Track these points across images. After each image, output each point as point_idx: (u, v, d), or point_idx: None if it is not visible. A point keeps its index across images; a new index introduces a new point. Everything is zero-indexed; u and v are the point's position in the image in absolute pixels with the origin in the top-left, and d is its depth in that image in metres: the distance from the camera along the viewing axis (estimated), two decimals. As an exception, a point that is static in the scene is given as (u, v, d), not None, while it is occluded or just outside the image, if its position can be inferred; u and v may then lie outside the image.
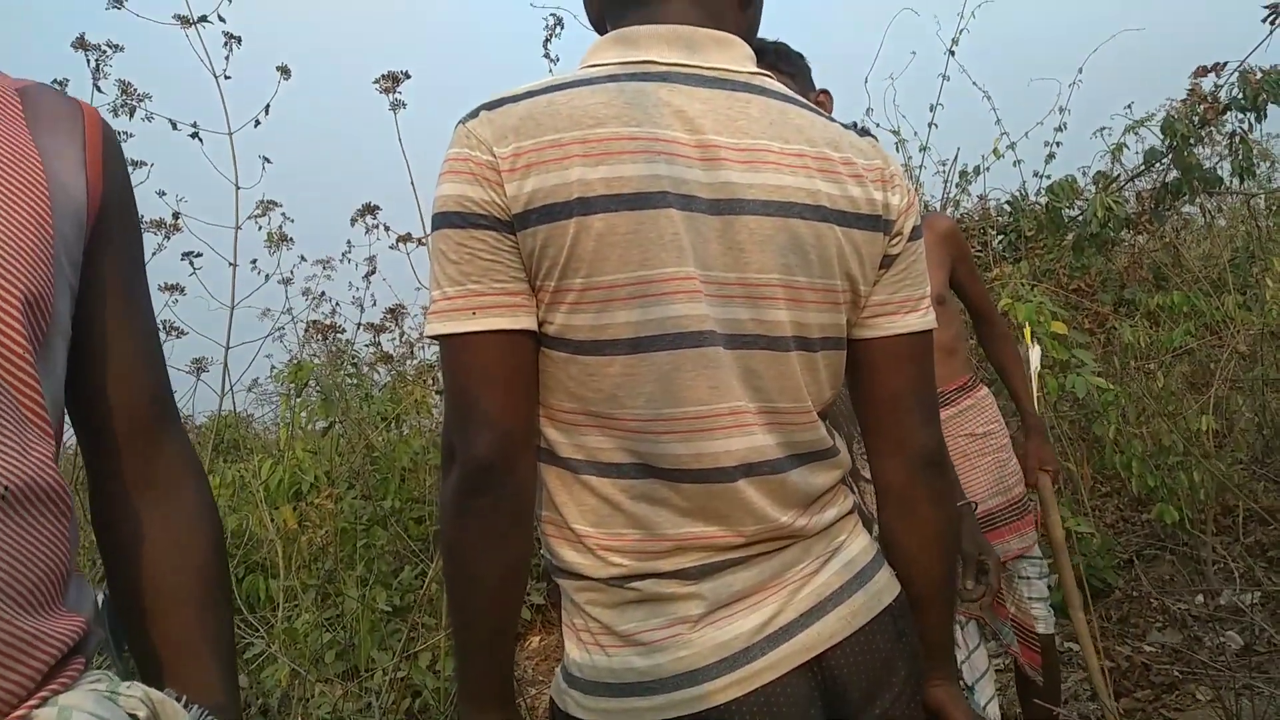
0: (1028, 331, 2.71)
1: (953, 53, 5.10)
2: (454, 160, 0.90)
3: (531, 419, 0.94)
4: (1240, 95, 3.94)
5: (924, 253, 1.08)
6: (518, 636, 3.88)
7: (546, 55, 3.34)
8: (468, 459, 0.90)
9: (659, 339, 0.90)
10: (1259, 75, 3.89)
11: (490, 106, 0.91)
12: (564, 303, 0.89)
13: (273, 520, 3.25)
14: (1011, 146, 5.24)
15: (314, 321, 3.91)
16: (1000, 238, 5.35)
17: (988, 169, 5.35)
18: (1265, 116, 3.99)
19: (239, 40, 3.00)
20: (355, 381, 4.80)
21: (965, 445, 2.40)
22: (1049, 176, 5.09)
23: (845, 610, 1.00)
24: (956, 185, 5.49)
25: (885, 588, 1.05)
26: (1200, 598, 3.59)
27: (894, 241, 1.02)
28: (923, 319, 1.05)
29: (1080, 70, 5.08)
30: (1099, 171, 4.90)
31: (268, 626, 3.02)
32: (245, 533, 3.53)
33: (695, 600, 0.95)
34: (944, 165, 5.56)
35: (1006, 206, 5.38)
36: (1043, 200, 4.92)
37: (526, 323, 0.90)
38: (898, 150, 5.45)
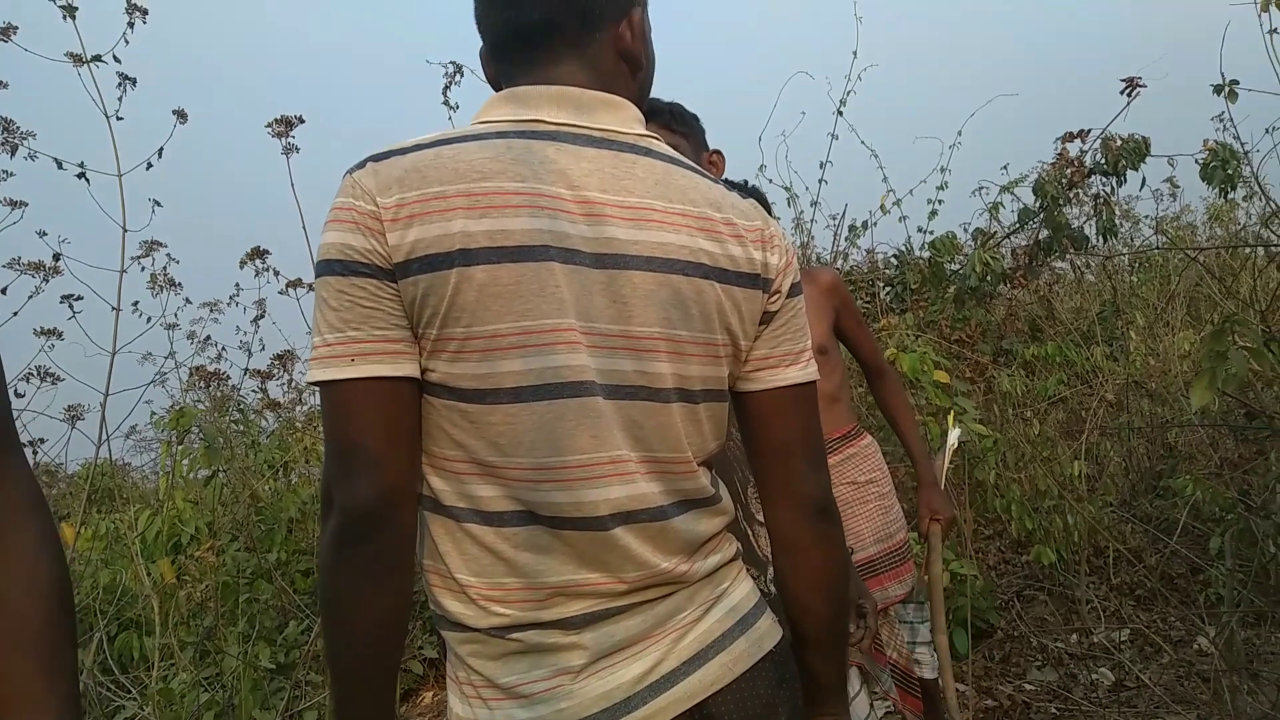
0: (951, 417, 2.80)
1: (841, 113, 5.32)
2: (338, 209, 0.91)
3: (413, 467, 0.94)
4: (1103, 160, 4.22)
5: (804, 308, 1.12)
6: (410, 692, 3.78)
7: (445, 103, 3.35)
8: (347, 507, 0.89)
9: (541, 389, 0.91)
10: (1119, 142, 4.18)
11: (377, 158, 0.93)
12: (446, 351, 0.91)
13: (149, 574, 3.10)
14: (897, 203, 5.49)
15: (197, 367, 3.77)
16: (888, 289, 5.56)
17: (875, 224, 5.58)
18: (1125, 181, 4.28)
19: (133, 81, 2.93)
20: (242, 428, 4.64)
21: (848, 493, 2.44)
22: (932, 232, 5.34)
23: (727, 657, 1.02)
24: (846, 239, 5.69)
25: (768, 633, 1.08)
26: (1075, 636, 3.75)
27: (773, 299, 1.06)
28: (803, 371, 1.09)
29: (959, 133, 5.37)
30: (978, 228, 5.17)
31: (141, 688, 2.86)
32: (119, 588, 3.35)
33: (577, 650, 0.96)
34: (834, 219, 5.77)
35: (894, 260, 5.60)
36: (926, 255, 5.14)
37: (408, 370, 0.91)
38: (790, 205, 5.65)
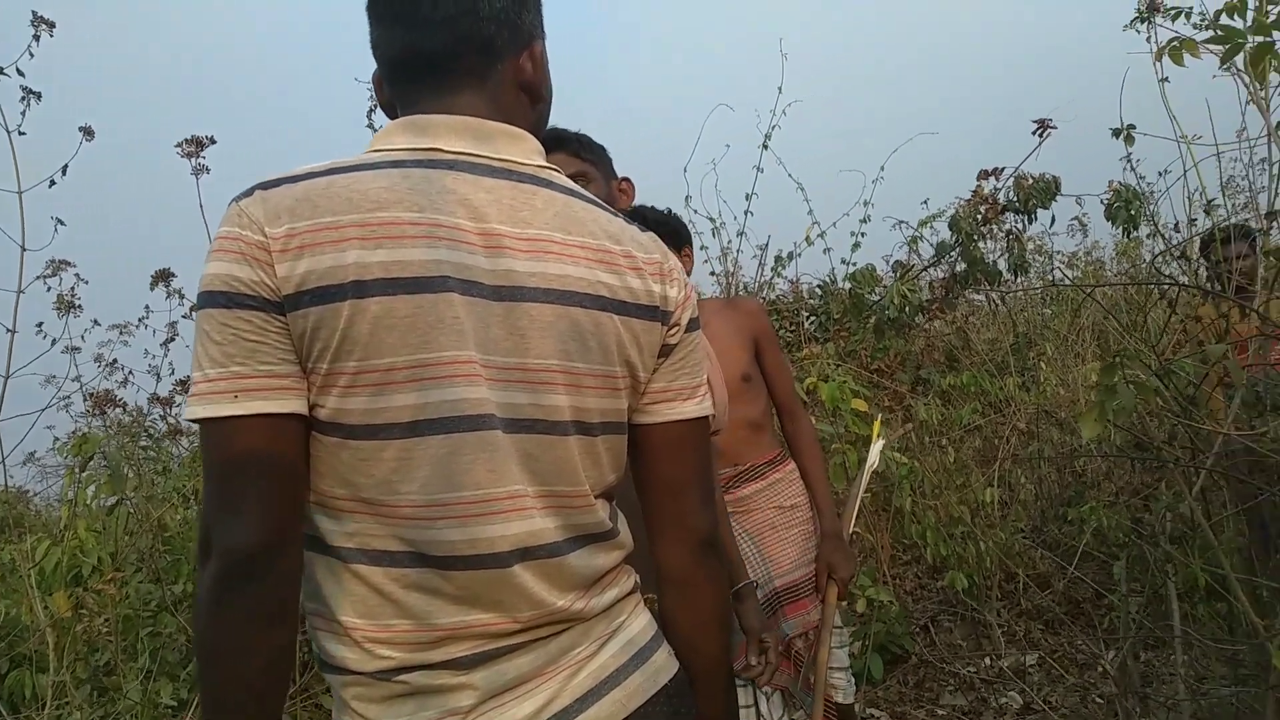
0: (876, 425, 2.78)
1: (766, 146, 5.42)
2: (224, 239, 0.88)
3: (297, 508, 0.91)
4: (1015, 198, 4.38)
5: (701, 344, 1.14)
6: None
7: (371, 126, 3.31)
8: (226, 550, 0.85)
9: (437, 422, 0.90)
10: (1030, 181, 4.34)
11: (266, 186, 0.90)
12: (336, 386, 0.88)
13: (45, 607, 2.97)
14: (822, 235, 5.60)
15: (93, 393, 3.64)
16: (812, 319, 5.66)
17: (800, 255, 5.68)
18: (1035, 219, 4.45)
19: (38, 95, 2.84)
20: (154, 454, 4.48)
21: (774, 517, 2.45)
22: (855, 264, 5.46)
23: (621, 693, 1.01)
24: (771, 269, 5.78)
25: (664, 666, 1.07)
26: (986, 661, 3.83)
27: (671, 332, 1.07)
28: (699, 406, 1.10)
29: (882, 168, 5.51)
30: (897, 261, 5.31)
31: (35, 728, 2.73)
32: (13, 622, 3.19)
33: (467, 691, 0.94)
34: (760, 249, 5.85)
35: (818, 290, 5.71)
36: (848, 286, 5.26)
37: (294, 407, 0.88)
38: (715, 235, 5.72)
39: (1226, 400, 2.03)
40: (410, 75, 1.02)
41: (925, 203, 5.37)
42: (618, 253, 1.02)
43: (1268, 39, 1.47)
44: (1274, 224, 2.04)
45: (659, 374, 1.07)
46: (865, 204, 5.46)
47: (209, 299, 0.87)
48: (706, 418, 1.12)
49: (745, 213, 5.58)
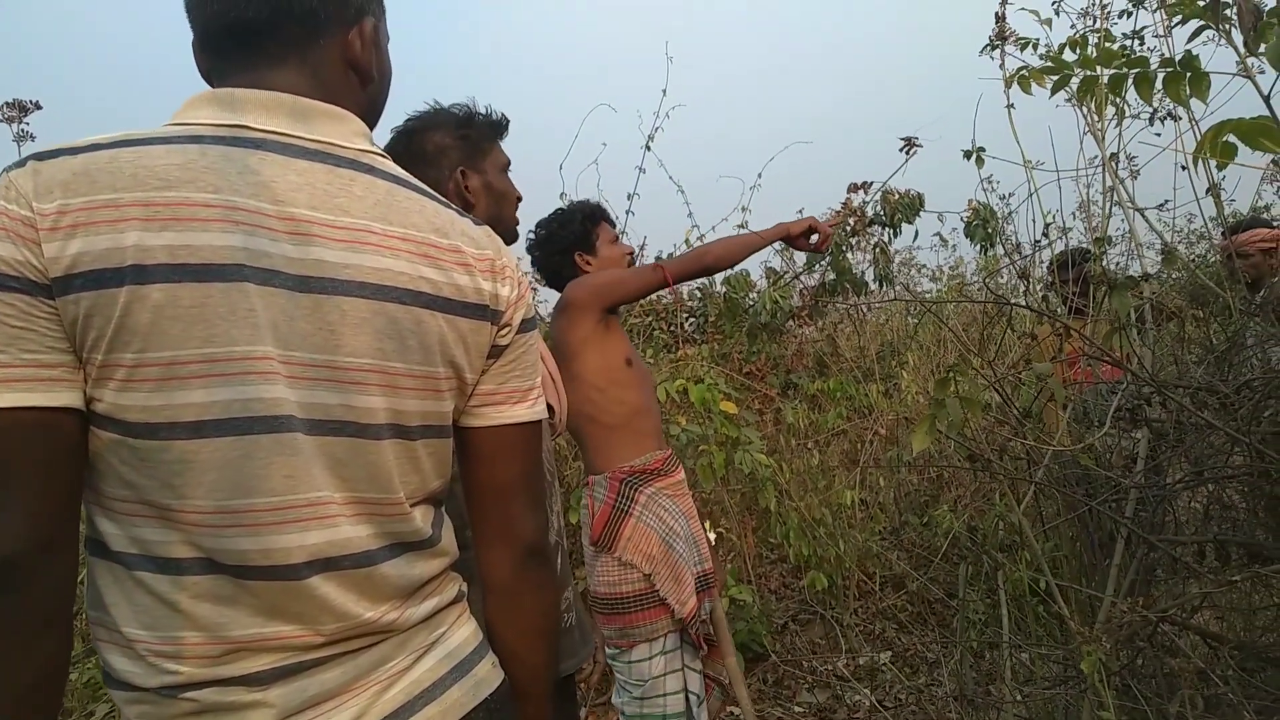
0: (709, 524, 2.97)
1: (649, 147, 5.45)
2: None
3: (68, 510, 0.83)
4: (882, 212, 4.53)
5: (536, 345, 1.11)
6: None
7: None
8: None
9: (226, 423, 0.84)
10: (896, 196, 4.50)
11: (41, 156, 0.82)
12: (113, 379, 0.81)
13: None
14: (701, 238, 5.66)
15: None
16: (690, 320, 5.73)
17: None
18: (900, 232, 4.61)
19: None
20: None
21: (692, 505, 2.55)
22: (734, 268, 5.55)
23: (436, 708, 0.97)
24: (650, 270, 5.79)
25: (486, 679, 1.04)
26: (842, 659, 3.95)
27: (503, 332, 1.03)
28: (531, 409, 1.07)
29: (760, 175, 5.61)
30: (770, 267, 5.42)
31: None
32: None
33: (262, 709, 0.88)
34: (640, 251, 5.88)
35: (696, 293, 5.78)
36: (724, 290, 5.34)
37: (67, 399, 0.81)
38: (595, 235, 5.70)
39: (1061, 414, 2.14)
40: (224, 45, 0.95)
41: (800, 211, 5.52)
42: (444, 246, 0.97)
43: (1093, 73, 1.55)
44: (1105, 248, 2.16)
45: (488, 376, 1.04)
46: (743, 210, 5.57)
47: None
48: (539, 422, 1.09)
49: (627, 213, 5.59)
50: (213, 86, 0.97)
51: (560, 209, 2.63)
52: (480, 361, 1.02)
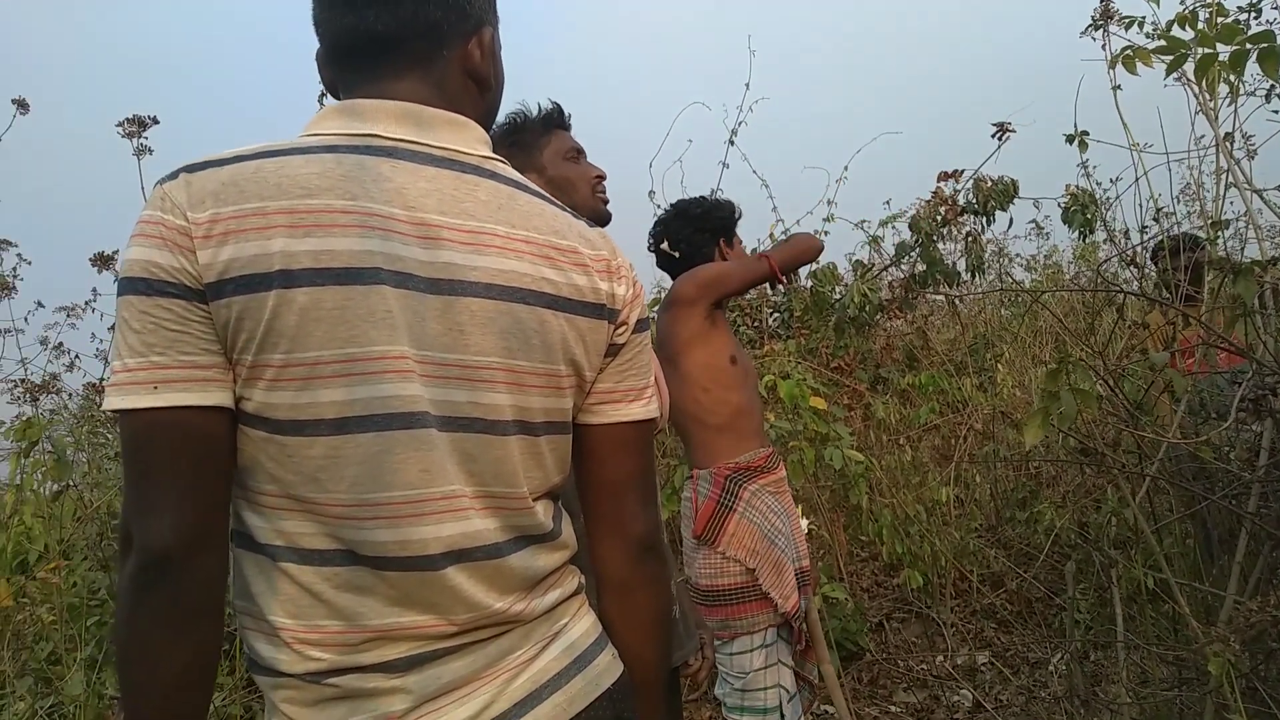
0: (801, 509, 2.94)
1: (733, 142, 5.41)
2: (145, 223, 0.85)
3: (219, 505, 0.88)
4: (974, 200, 4.41)
5: (649, 344, 1.12)
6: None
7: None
8: (145, 548, 0.82)
9: (367, 420, 0.87)
10: (989, 183, 4.38)
11: (192, 169, 0.87)
12: (262, 379, 0.85)
13: (-14, 596, 2.89)
14: (786, 231, 5.61)
15: (23, 380, 3.55)
16: (775, 316, 5.67)
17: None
18: (994, 220, 4.48)
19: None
20: (110, 439, 4.38)
21: (788, 504, 2.55)
22: (818, 262, 5.47)
23: (561, 697, 0.99)
24: (735, 265, 5.76)
25: (606, 670, 1.05)
26: (939, 659, 3.87)
27: (619, 331, 1.05)
28: (646, 408, 1.09)
29: (846, 166, 5.52)
30: (857, 260, 5.32)
31: (-27, 719, 2.67)
32: (-47, 610, 3.12)
33: (400, 695, 0.91)
34: (725, 246, 5.84)
35: (781, 287, 5.72)
36: (809, 284, 5.27)
37: (219, 399, 0.85)
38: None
39: (1173, 406, 2.05)
40: (352, 58, 0.99)
41: (888, 202, 5.41)
42: (563, 248, 0.99)
43: (1211, 50, 1.48)
44: (1220, 233, 2.06)
45: (605, 374, 1.06)
46: (829, 202, 5.49)
47: (129, 285, 0.84)
48: (653, 420, 1.10)
49: (711, 208, 5.57)
50: (339, 97, 1.02)
51: (714, 199, 2.66)
52: (598, 360, 1.04)
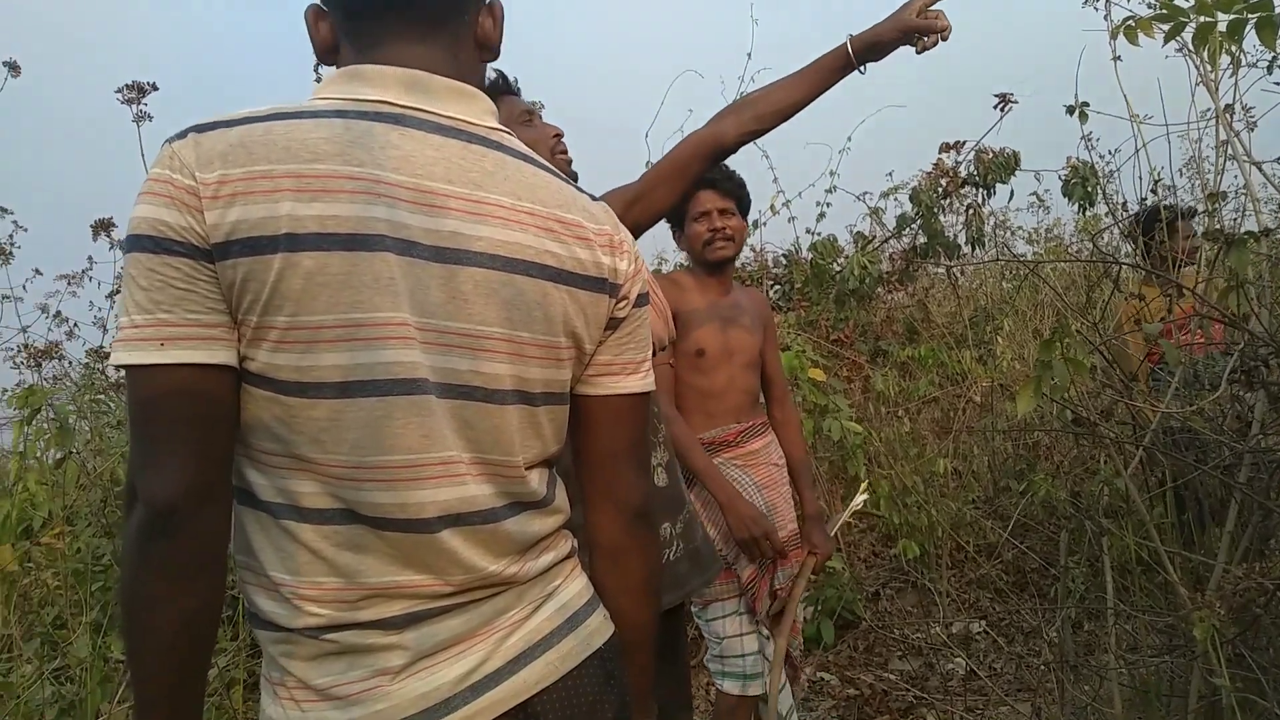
0: (864, 485, 2.98)
1: (734, 113, 5.37)
2: (154, 181, 0.85)
3: (223, 461, 0.89)
4: (975, 172, 4.40)
5: (649, 318, 1.14)
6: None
7: (320, 80, 3.24)
8: (150, 501, 0.84)
9: (369, 384, 0.88)
10: (990, 155, 4.36)
11: (201, 129, 0.87)
12: (266, 340, 0.86)
13: (-9, 560, 2.93)
14: (787, 204, 5.59)
15: (26, 345, 3.57)
16: (775, 288, 5.68)
17: (765, 224, 5.67)
18: (994, 193, 4.47)
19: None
20: (112, 406, 4.41)
21: (773, 474, 2.61)
22: (819, 234, 5.47)
23: (553, 655, 1.02)
24: (736, 237, 5.75)
25: (597, 630, 1.08)
26: (934, 628, 3.91)
27: (620, 305, 1.06)
28: (643, 381, 1.11)
29: (849, 138, 5.50)
30: (858, 232, 5.31)
31: (-19, 681, 2.71)
32: (-44, 574, 3.15)
33: (397, 651, 0.94)
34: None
35: (782, 259, 5.72)
36: (810, 256, 5.27)
37: (223, 357, 0.86)
38: (681, 202, 5.68)
39: (1167, 378, 2.07)
40: (367, 14, 0.99)
41: (890, 174, 5.39)
42: (567, 221, 1.01)
43: (1210, 19, 1.48)
44: (1217, 204, 2.07)
45: (605, 347, 1.07)
46: (831, 174, 5.47)
47: (136, 243, 0.85)
48: (648, 393, 1.12)
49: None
50: (335, 54, 1.02)
51: None
52: (598, 333, 1.05)
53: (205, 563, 0.88)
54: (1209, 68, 2.01)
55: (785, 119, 1.79)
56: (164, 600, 0.86)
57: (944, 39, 1.67)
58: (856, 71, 1.75)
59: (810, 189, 5.53)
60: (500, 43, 1.07)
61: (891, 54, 1.74)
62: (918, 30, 1.67)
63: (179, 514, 0.84)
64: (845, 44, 1.72)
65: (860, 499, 2.84)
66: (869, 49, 1.71)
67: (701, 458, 2.37)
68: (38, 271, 3.76)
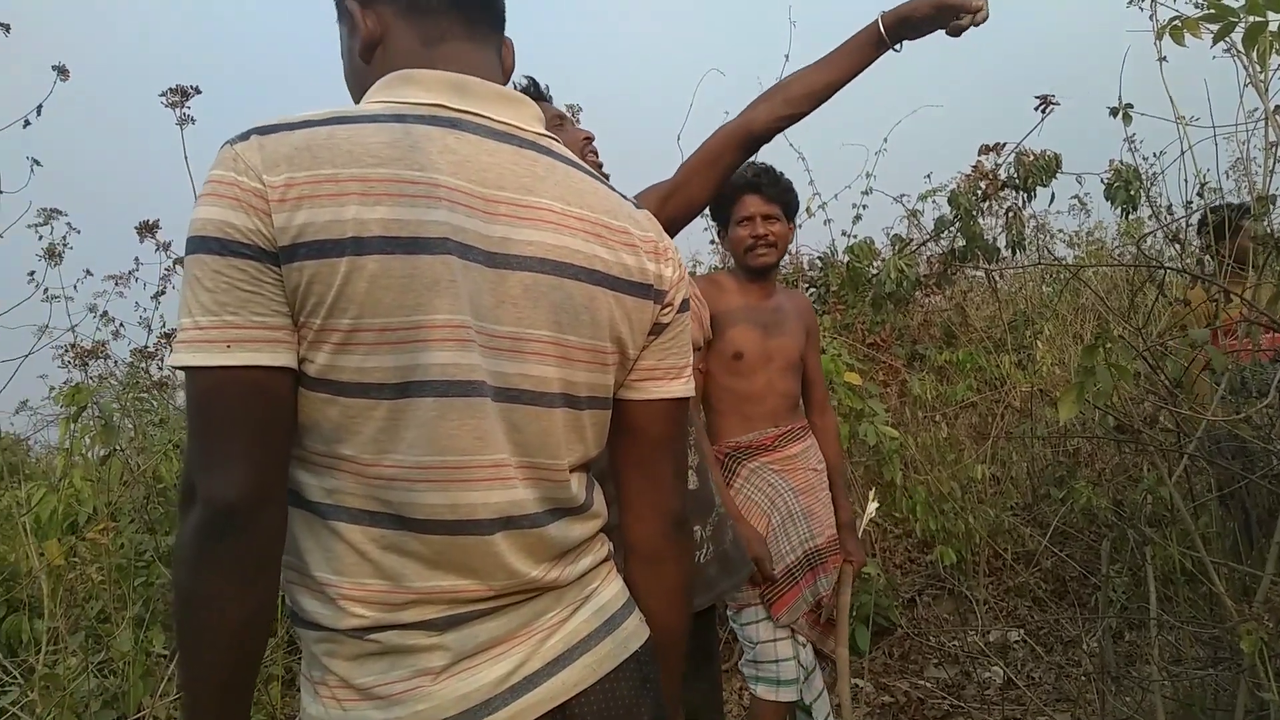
0: (872, 494, 2.96)
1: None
2: (218, 183, 0.85)
3: (282, 462, 0.90)
4: (1015, 175, 4.34)
5: (691, 324, 1.14)
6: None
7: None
8: (210, 501, 0.84)
9: (427, 385, 0.89)
10: (1030, 158, 4.31)
11: (264, 131, 0.87)
12: (328, 342, 0.87)
13: (41, 554, 2.99)
14: (823, 206, 5.56)
15: (72, 344, 3.64)
16: (811, 290, 5.64)
17: (800, 226, 5.63)
18: (1035, 196, 4.41)
19: (6, 28, 2.77)
20: (155, 405, 4.49)
21: (813, 479, 2.58)
22: (856, 236, 5.43)
23: (591, 658, 1.02)
24: (772, 240, 5.72)
25: (634, 633, 1.08)
26: (971, 635, 3.87)
27: (665, 311, 1.07)
28: (685, 386, 1.11)
29: (885, 140, 5.45)
30: (895, 235, 5.27)
31: (28, 672, 2.77)
32: (10, 568, 3.23)
33: (439, 651, 0.94)
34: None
35: (818, 262, 5.69)
36: (846, 259, 5.23)
37: (286, 360, 0.86)
38: (716, 205, 5.66)
39: (1213, 385, 2.03)
40: (441, 5, 1.01)
41: (928, 176, 5.33)
42: (614, 227, 1.01)
43: (1261, 18, 1.45)
44: (1267, 208, 2.02)
45: (648, 352, 1.08)
46: (867, 175, 5.41)
47: (202, 244, 0.85)
48: (689, 399, 1.12)
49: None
50: (369, 54, 1.03)
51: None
52: (642, 338, 1.06)
53: (265, 563, 0.88)
54: (1258, 68, 1.97)
55: (819, 102, 1.72)
56: (224, 600, 0.86)
57: (977, 22, 1.58)
58: (891, 50, 1.67)
59: (846, 190, 5.50)
60: (511, 72, 1.11)
61: (929, 36, 1.65)
62: (951, 7, 1.59)
63: (240, 514, 0.85)
64: (876, 21, 1.65)
65: (873, 507, 2.82)
66: (901, 24, 1.64)
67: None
68: (88, 272, 3.83)
